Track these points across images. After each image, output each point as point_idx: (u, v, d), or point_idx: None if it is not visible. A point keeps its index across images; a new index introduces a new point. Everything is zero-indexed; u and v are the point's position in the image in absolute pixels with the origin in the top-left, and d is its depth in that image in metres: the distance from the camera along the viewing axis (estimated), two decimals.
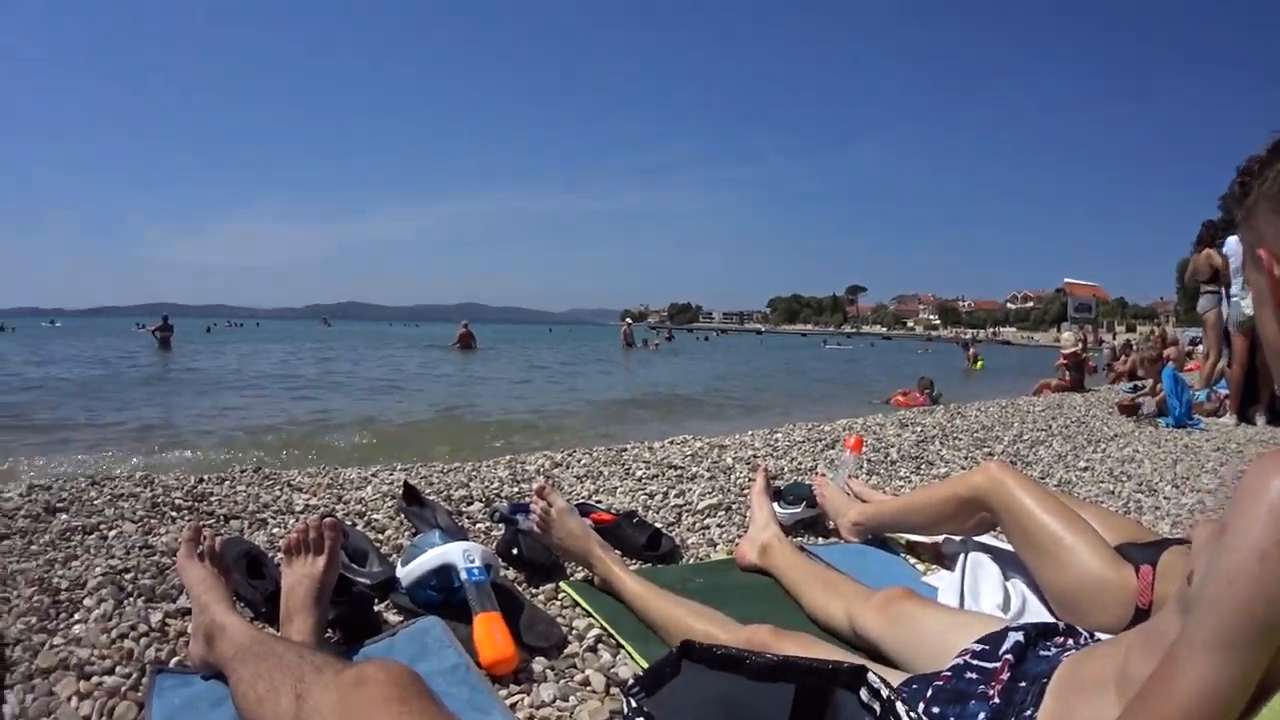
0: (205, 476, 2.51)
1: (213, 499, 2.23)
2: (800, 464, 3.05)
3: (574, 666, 1.28)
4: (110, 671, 1.24)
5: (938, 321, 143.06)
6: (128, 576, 1.58)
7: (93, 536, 1.85)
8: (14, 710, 1.11)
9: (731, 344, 40.58)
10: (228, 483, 2.45)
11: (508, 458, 3.10)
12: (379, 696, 0.73)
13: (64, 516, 1.99)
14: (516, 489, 2.49)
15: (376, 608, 1.47)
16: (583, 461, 3.02)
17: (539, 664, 1.28)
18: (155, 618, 1.41)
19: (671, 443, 3.50)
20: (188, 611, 1.39)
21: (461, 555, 1.37)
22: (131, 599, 1.49)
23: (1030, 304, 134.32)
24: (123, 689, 1.20)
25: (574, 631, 1.42)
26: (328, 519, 1.35)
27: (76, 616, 1.43)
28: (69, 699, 1.16)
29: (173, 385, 10.22)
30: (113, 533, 1.88)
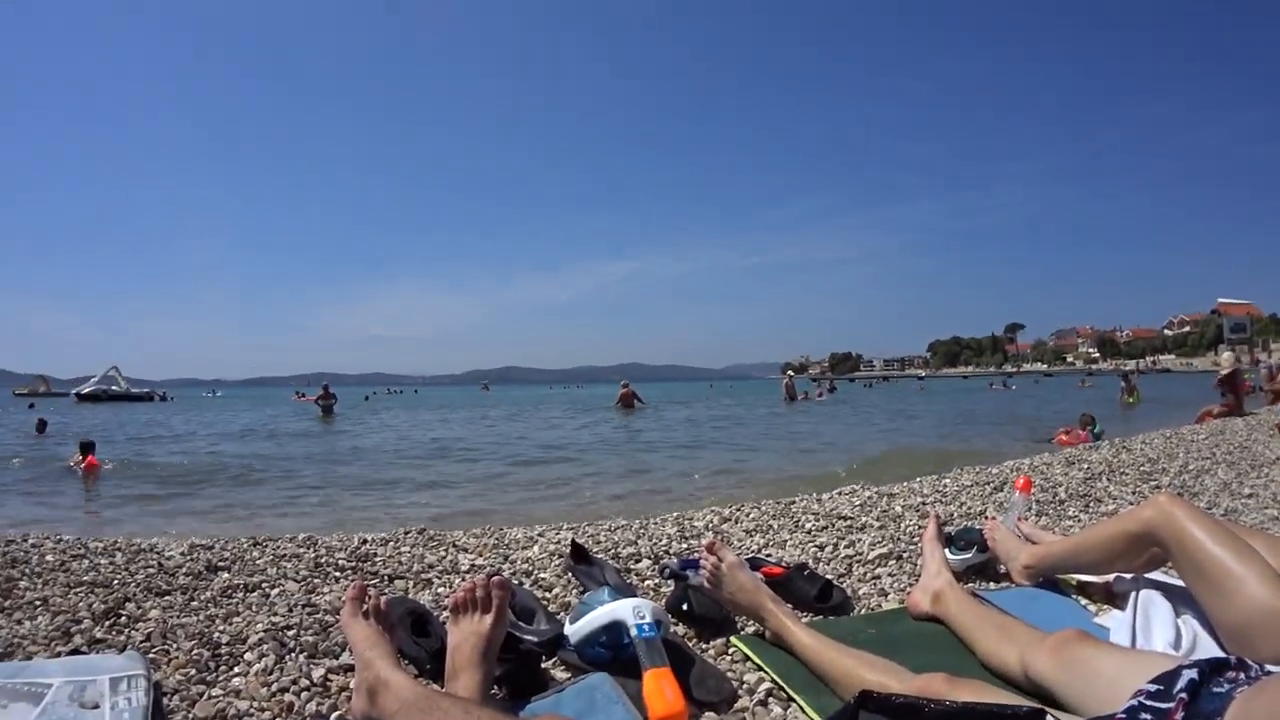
0: (369, 538, 3.55)
1: (376, 559, 3.16)
2: (969, 508, 4.21)
3: None
4: None
5: (1097, 354, 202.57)
6: (290, 633, 2.24)
7: (255, 594, 2.63)
8: None
9: (894, 391, 55.33)
10: (392, 543, 3.46)
11: (675, 514, 4.32)
12: None
13: (225, 575, 2.85)
14: (685, 545, 3.42)
15: (544, 665, 1.98)
16: (751, 515, 4.18)
17: (708, 719, 1.74)
18: (317, 673, 1.98)
19: (840, 493, 4.93)
20: (350, 668, 1.95)
21: (632, 612, 1.88)
22: (293, 654, 2.10)
23: (1187, 328, 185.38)
24: None
25: (744, 686, 1.91)
26: (496, 577, 1.84)
27: (236, 670, 2.02)
28: None
29: (334, 451, 14.49)
30: (275, 591, 2.67)
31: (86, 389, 55.13)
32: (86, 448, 11.59)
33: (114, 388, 56.17)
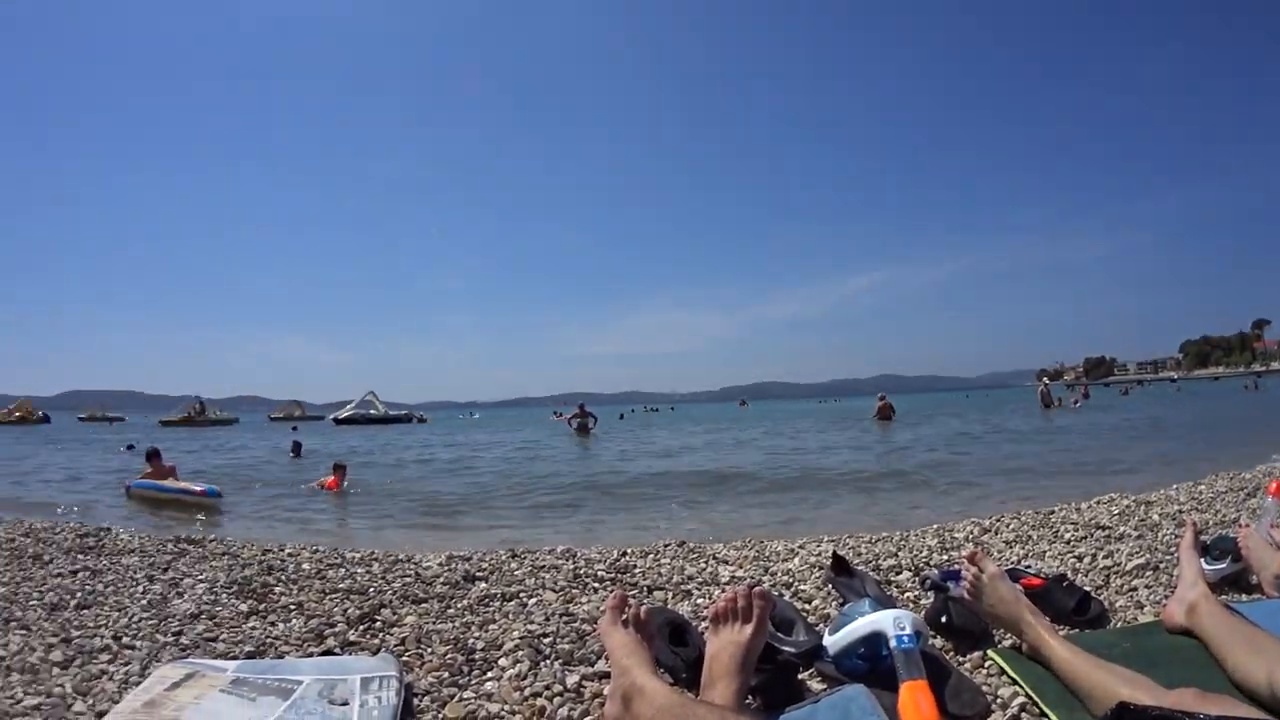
0: (629, 550, 5.53)
1: (636, 571, 4.77)
2: (1224, 515, 5.95)
3: None
4: None
5: None
6: (546, 640, 3.41)
7: (512, 603, 4.13)
8: None
9: (1149, 396, 75.45)
10: (652, 555, 5.03)
11: (935, 526, 6.59)
12: None
13: (483, 585, 4.28)
14: (945, 556, 4.97)
15: (800, 676, 2.89)
16: (1011, 526, 6.18)
17: None
18: (571, 679, 3.00)
19: (1099, 502, 7.30)
20: (605, 675, 2.98)
21: (892, 623, 2.68)
22: (548, 661, 3.20)
23: None
24: None
25: (998, 700, 2.71)
26: (757, 588, 2.71)
27: (489, 675, 3.13)
28: None
29: (591, 467, 21.16)
30: (533, 600, 4.16)
31: (344, 413, 76.79)
32: (339, 469, 17.02)
33: (371, 411, 77.31)
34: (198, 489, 14.46)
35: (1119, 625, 3.44)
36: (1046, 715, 2.54)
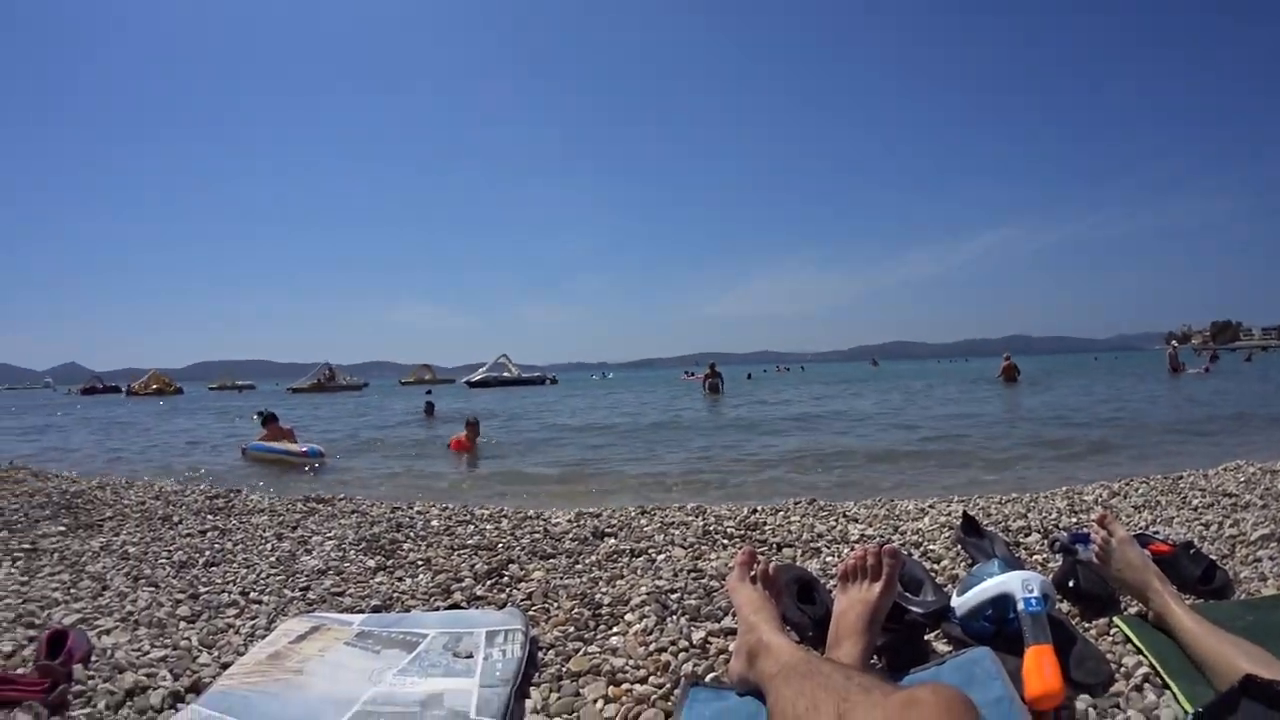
0: (759, 507, 5.85)
1: (765, 528, 5.03)
2: None
3: (1117, 706, 2.53)
4: (643, 680, 2.86)
5: None
6: (673, 596, 3.61)
7: (640, 559, 4.41)
8: (536, 705, 2.74)
9: (1275, 361, 76.11)
10: (781, 513, 5.60)
11: (1064, 488, 6.82)
12: (929, 719, 1.66)
13: (611, 541, 4.47)
14: (1074, 519, 5.17)
15: (927, 637, 3.01)
16: (1139, 490, 6.43)
17: (1082, 701, 2.53)
18: (697, 635, 3.15)
19: (1225, 469, 7.62)
20: (731, 631, 3.15)
21: (1020, 585, 2.76)
22: (675, 617, 3.36)
23: None
24: (652, 698, 2.73)
25: (1122, 669, 2.76)
26: (887, 546, 2.83)
27: (615, 630, 3.28)
28: (595, 701, 2.75)
29: (720, 426, 22.36)
30: (661, 556, 4.43)
31: (477, 376, 79.81)
32: (471, 425, 17.84)
33: (505, 374, 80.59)
34: (301, 449, 15.29)
35: (1242, 597, 3.47)
36: (1169, 686, 2.59)
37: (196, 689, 2.96)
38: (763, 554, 3.67)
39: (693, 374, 65.77)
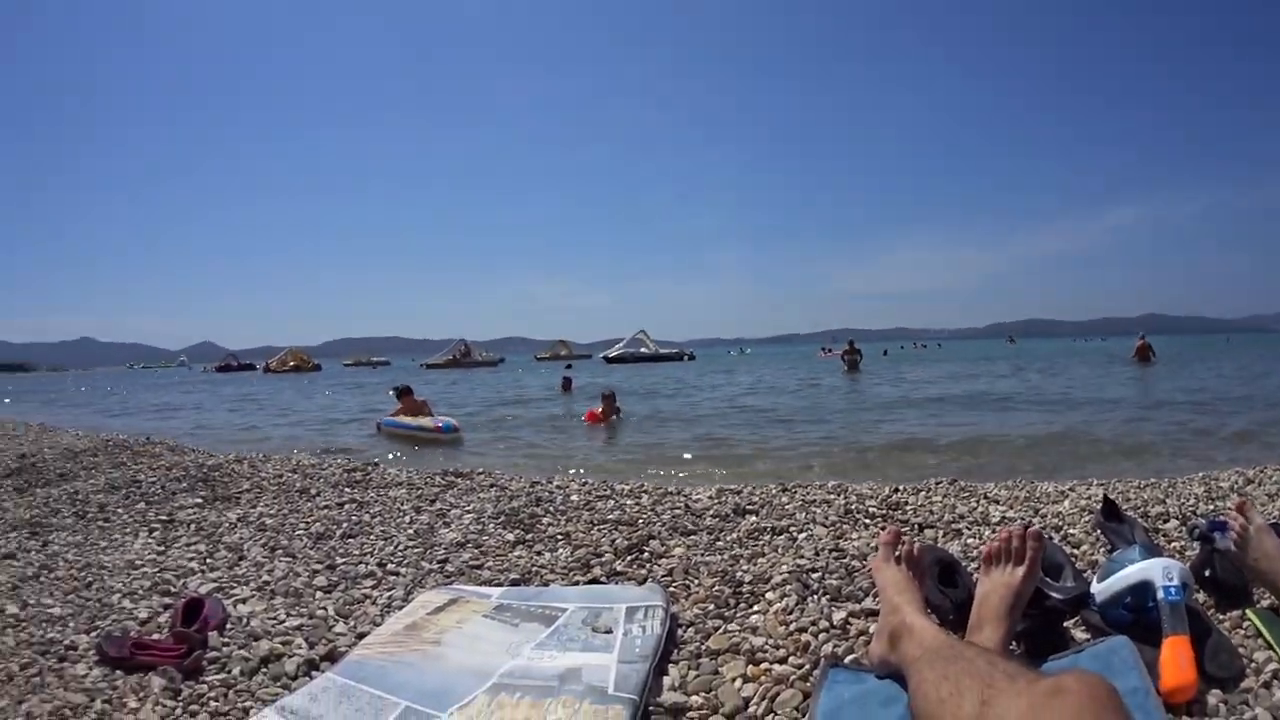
0: (901, 486, 5.88)
1: (907, 508, 5.07)
2: None
3: (1245, 703, 2.48)
4: (782, 660, 2.86)
5: None
6: (814, 575, 3.61)
7: (781, 537, 4.48)
8: (674, 682, 2.75)
9: None
10: (923, 493, 5.63)
11: (1200, 474, 6.85)
12: (1074, 709, 1.64)
13: (753, 518, 4.49)
14: (1211, 506, 5.10)
15: (1065, 624, 2.99)
16: (1274, 478, 6.37)
17: (1214, 696, 2.49)
18: (838, 616, 3.15)
19: None
20: (872, 613, 3.16)
21: (1161, 573, 2.76)
22: (815, 596, 3.37)
23: None
24: (791, 678, 2.73)
25: (1252, 664, 2.70)
26: (1031, 529, 2.82)
27: (755, 608, 3.29)
28: (733, 680, 2.78)
29: (859, 404, 22.66)
30: (803, 535, 4.49)
31: (615, 351, 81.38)
32: (607, 398, 18.26)
33: (642, 349, 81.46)
34: (434, 424, 15.44)
35: None
36: None
37: (332, 658, 3.04)
38: (905, 535, 3.63)
39: (830, 350, 66.88)
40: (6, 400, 37.79)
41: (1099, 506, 4.38)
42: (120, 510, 5.91)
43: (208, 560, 4.43)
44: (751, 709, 2.55)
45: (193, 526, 5.23)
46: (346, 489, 6.36)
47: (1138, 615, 2.72)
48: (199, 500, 6.15)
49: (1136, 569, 2.77)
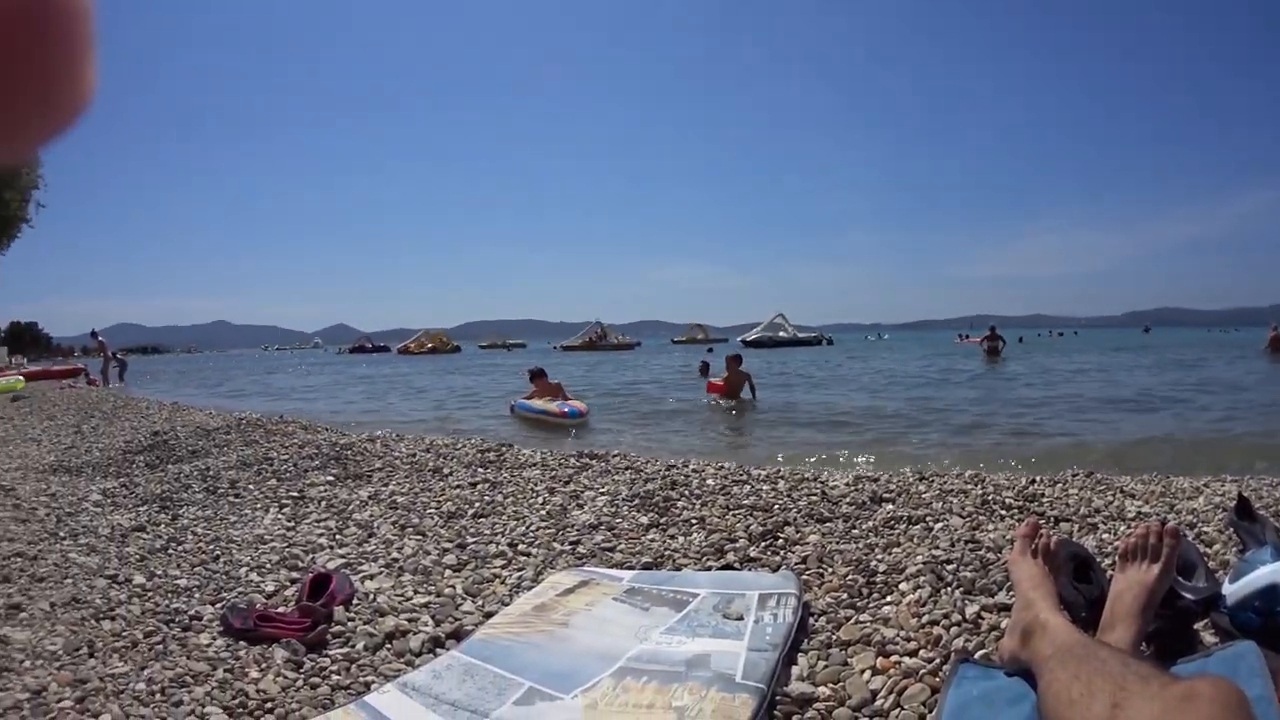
0: (1037, 478, 5.99)
1: (1044, 500, 5.05)
2: None
3: None
4: (912, 654, 2.88)
5: None
6: (949, 567, 3.68)
7: (917, 527, 4.47)
8: (802, 671, 2.78)
9: None
10: (1059, 485, 5.63)
11: None
12: (1206, 717, 1.66)
13: (889, 506, 4.53)
14: None
15: (1195, 625, 2.96)
16: None
17: None
18: (970, 609, 3.16)
19: None
20: (1004, 607, 3.20)
21: None
22: (949, 589, 3.42)
23: None
24: (920, 672, 2.75)
25: None
26: (1169, 525, 2.80)
27: (889, 599, 3.31)
28: (862, 671, 2.80)
29: (1001, 393, 22.18)
30: (939, 525, 4.47)
31: (753, 335, 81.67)
32: (733, 361, 18.11)
33: (780, 334, 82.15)
34: (560, 410, 15.64)
35: None
36: None
37: (458, 635, 3.11)
38: (1042, 528, 3.61)
39: (966, 336, 66.88)
40: (142, 380, 38.93)
41: (1233, 504, 4.24)
42: (251, 486, 6.12)
43: (337, 536, 4.57)
44: (879, 702, 2.57)
45: (323, 503, 5.38)
46: (479, 469, 6.46)
47: (1266, 620, 2.65)
48: (330, 478, 6.32)
49: (1268, 571, 2.72)
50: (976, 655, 2.75)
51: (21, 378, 26.92)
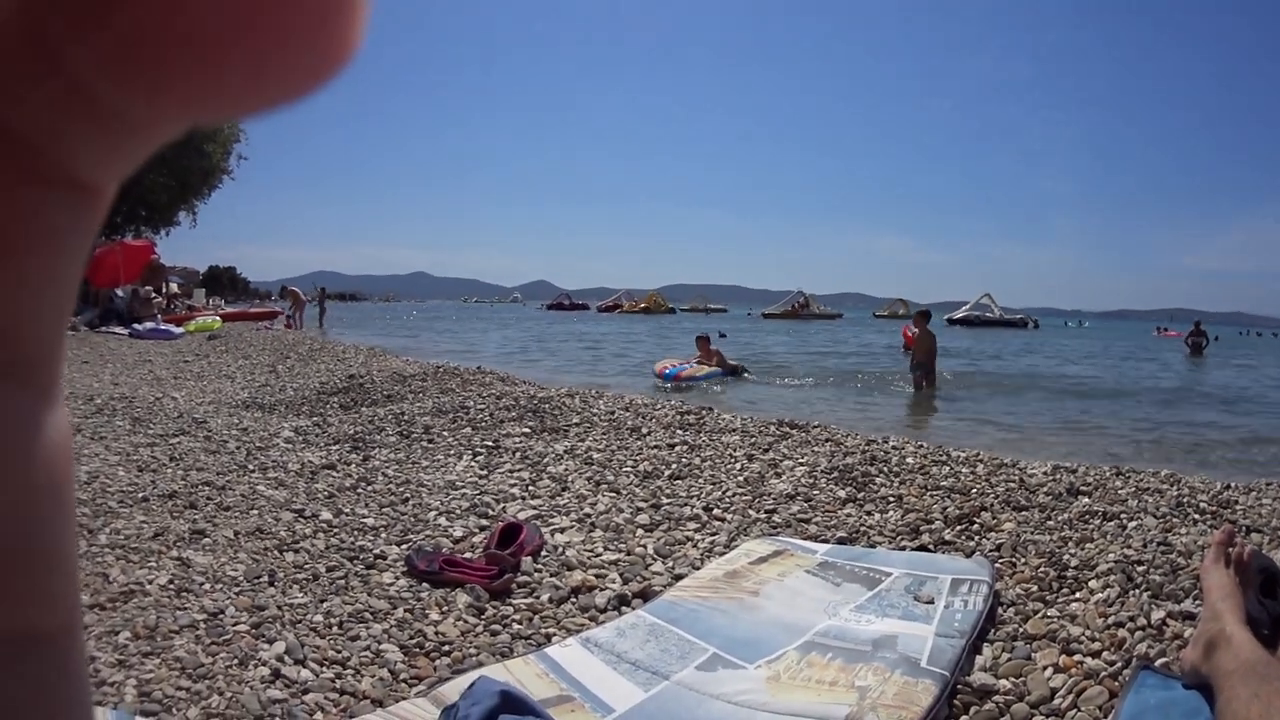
0: (1232, 484, 5.47)
1: (1237, 507, 4.72)
2: None
3: None
4: (1096, 655, 2.83)
5: None
6: (1139, 568, 3.56)
7: (1111, 524, 4.29)
8: (985, 662, 2.78)
9: None
10: (1254, 493, 5.19)
11: None
12: None
13: (1085, 500, 4.45)
14: None
15: None
16: None
17: None
18: (1156, 615, 3.05)
19: None
20: (1189, 616, 3.07)
21: None
22: (1137, 591, 3.29)
23: None
24: (1100, 674, 2.70)
25: None
26: None
27: (1077, 596, 3.26)
28: (1044, 668, 2.75)
29: (1203, 391, 22.20)
30: (1132, 524, 4.27)
31: (959, 314, 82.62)
32: (921, 316, 18.17)
33: (987, 314, 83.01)
34: (701, 376, 17.25)
35: None
36: None
37: (645, 595, 3.18)
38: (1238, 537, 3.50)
39: (1166, 329, 66.74)
40: (339, 325, 40.01)
41: None
42: (445, 433, 6.27)
43: (530, 488, 4.68)
44: (1057, 700, 2.56)
45: (518, 454, 5.49)
46: (678, 430, 6.52)
47: None
48: (527, 430, 6.42)
49: None
50: (1157, 663, 2.69)
51: (218, 317, 27.97)
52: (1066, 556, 3.54)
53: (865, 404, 14.06)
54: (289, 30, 0.20)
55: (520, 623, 3.00)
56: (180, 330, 21.98)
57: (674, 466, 5.17)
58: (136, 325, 21.62)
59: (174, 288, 31.76)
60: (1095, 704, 2.51)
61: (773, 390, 16.81)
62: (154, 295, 25.33)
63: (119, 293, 24.46)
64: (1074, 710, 2.50)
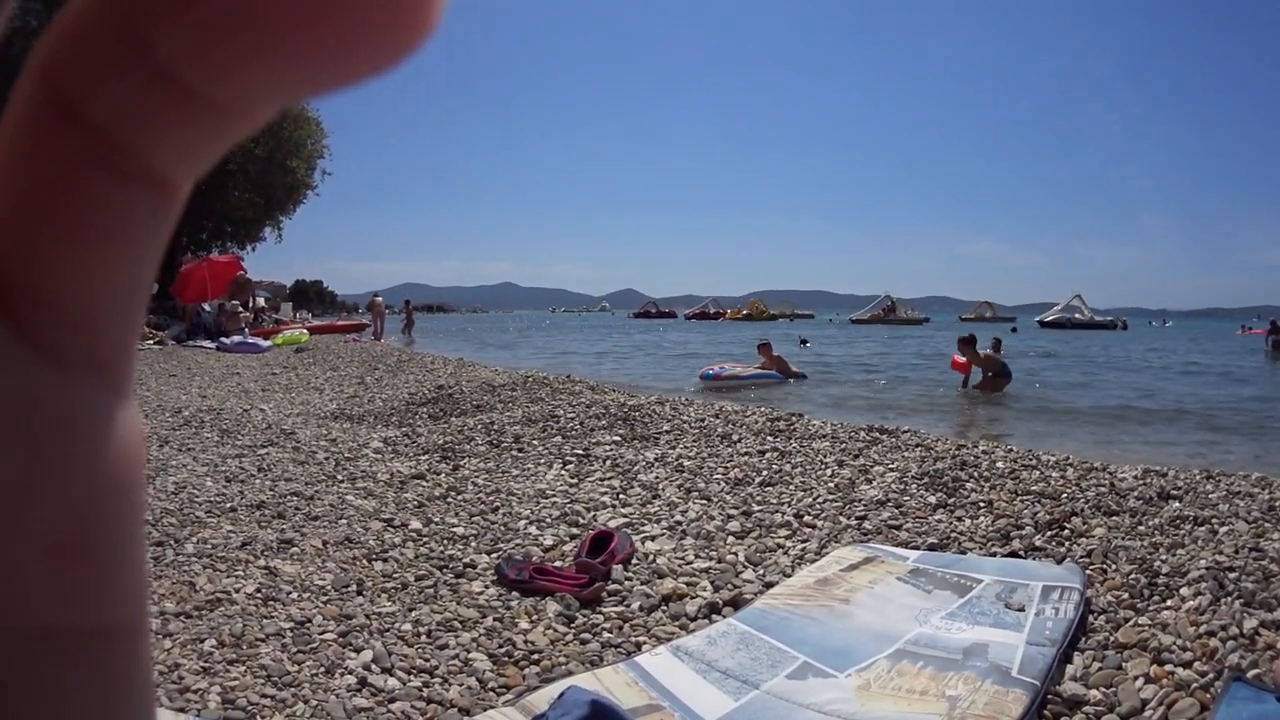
0: None
1: None
2: None
3: None
4: (1187, 665, 2.83)
5: None
6: (1231, 575, 3.57)
7: (1202, 529, 4.29)
8: (1076, 671, 2.79)
9: None
10: None
11: None
12: None
13: (1176, 504, 4.43)
14: None
15: None
16: None
17: None
18: (1248, 624, 3.06)
19: None
20: None
21: None
22: (1229, 599, 3.35)
23: None
24: (1192, 685, 2.70)
25: None
26: None
27: (1168, 603, 3.27)
28: (1135, 678, 2.75)
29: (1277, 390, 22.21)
30: (1224, 529, 4.29)
31: (1050, 316, 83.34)
32: (966, 343, 17.75)
33: (1077, 315, 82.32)
34: (746, 374, 18.13)
35: None
36: None
37: (736, 604, 3.23)
38: None
39: (1250, 328, 65.44)
40: (427, 336, 40.34)
41: None
42: (535, 442, 6.34)
43: (620, 495, 4.76)
44: (1148, 712, 2.57)
45: (608, 462, 5.56)
46: (769, 437, 6.55)
47: None
48: (617, 438, 6.48)
49: None
50: (1250, 675, 2.69)
51: (306, 331, 28.34)
52: (1157, 563, 3.55)
53: (953, 409, 14.35)
54: (369, 4, 0.21)
55: (610, 631, 3.07)
56: (268, 343, 22.17)
57: (765, 473, 5.22)
58: (224, 339, 21.85)
59: (261, 302, 32.20)
60: (1186, 716, 2.53)
61: (857, 392, 17.09)
62: (241, 310, 25.62)
63: (206, 308, 24.79)
64: None
